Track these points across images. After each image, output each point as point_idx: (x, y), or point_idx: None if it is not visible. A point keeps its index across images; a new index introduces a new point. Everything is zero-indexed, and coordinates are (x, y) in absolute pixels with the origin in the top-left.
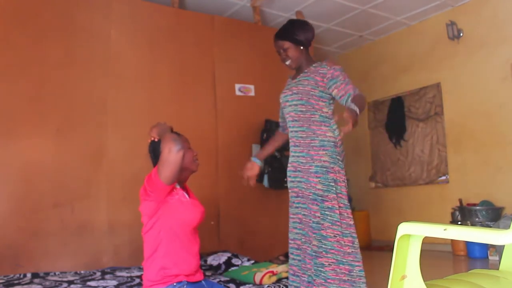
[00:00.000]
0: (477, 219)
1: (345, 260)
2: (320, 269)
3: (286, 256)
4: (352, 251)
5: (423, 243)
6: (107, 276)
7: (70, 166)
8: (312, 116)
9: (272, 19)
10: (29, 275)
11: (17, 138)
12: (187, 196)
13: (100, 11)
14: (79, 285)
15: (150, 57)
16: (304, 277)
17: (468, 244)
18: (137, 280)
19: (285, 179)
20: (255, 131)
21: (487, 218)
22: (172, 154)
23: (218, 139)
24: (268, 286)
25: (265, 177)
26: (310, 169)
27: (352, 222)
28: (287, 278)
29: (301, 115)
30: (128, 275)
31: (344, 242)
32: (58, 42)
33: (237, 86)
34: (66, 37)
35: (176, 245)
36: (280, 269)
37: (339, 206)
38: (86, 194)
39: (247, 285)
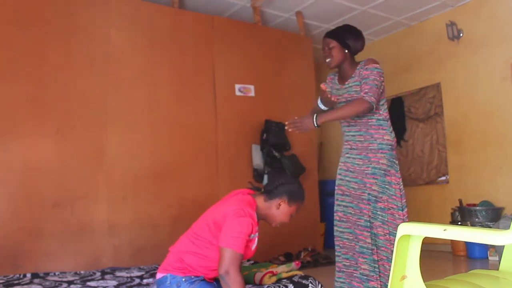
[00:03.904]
0: (477, 219)
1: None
2: (373, 264)
3: (286, 256)
4: None
5: (423, 243)
6: (107, 276)
7: (70, 166)
8: (369, 120)
9: (272, 19)
10: (29, 275)
11: (17, 138)
12: (256, 241)
13: (100, 11)
14: (79, 285)
15: (150, 57)
16: (349, 271)
17: (468, 245)
18: (137, 280)
19: None
20: (255, 131)
21: (487, 218)
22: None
23: (218, 139)
24: (268, 286)
25: (265, 178)
26: (366, 170)
27: None
28: (287, 278)
29: (358, 120)
30: (128, 275)
31: (393, 241)
32: (58, 42)
33: (237, 86)
34: (66, 37)
35: (215, 262)
36: (280, 269)
37: (390, 207)
38: (86, 194)
39: (247, 285)
